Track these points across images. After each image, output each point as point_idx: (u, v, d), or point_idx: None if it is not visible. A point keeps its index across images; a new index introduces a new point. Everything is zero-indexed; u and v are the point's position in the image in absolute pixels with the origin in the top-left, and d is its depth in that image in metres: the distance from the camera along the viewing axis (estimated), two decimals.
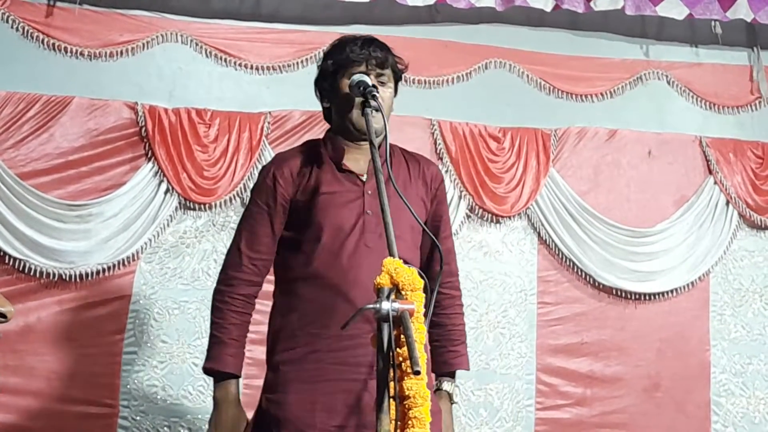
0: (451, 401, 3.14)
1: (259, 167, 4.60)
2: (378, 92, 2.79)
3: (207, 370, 3.01)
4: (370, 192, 2.96)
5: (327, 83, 3.04)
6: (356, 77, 2.85)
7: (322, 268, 2.90)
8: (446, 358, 3.14)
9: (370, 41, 3.02)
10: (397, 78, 3.08)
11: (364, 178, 2.99)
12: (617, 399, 5.01)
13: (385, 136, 2.62)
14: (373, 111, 2.79)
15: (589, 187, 5.16)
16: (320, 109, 3.14)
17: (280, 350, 2.96)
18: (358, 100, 2.90)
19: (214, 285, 3.08)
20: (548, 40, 5.26)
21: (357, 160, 3.02)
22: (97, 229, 4.56)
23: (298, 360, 2.89)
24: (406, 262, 2.27)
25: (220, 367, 2.96)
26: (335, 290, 2.86)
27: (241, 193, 4.69)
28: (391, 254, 2.29)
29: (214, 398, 2.97)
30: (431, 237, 2.82)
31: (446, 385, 3.13)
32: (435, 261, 3.08)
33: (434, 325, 3.12)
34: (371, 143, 2.64)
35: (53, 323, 4.50)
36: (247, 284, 3.03)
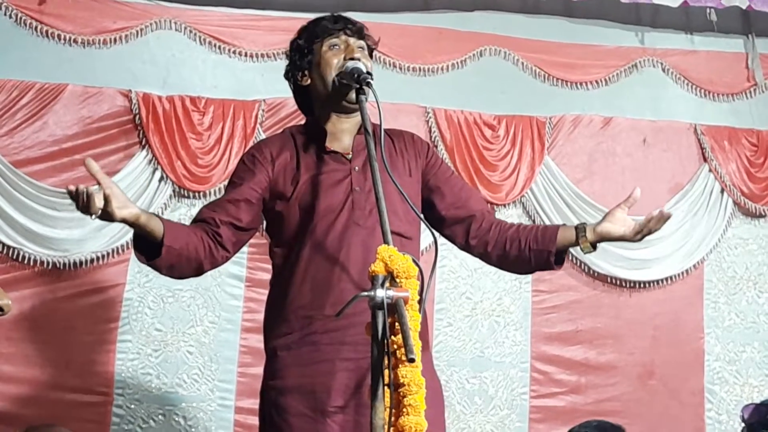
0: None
1: None
2: (372, 80, 2.77)
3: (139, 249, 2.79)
4: (357, 168, 2.93)
5: (305, 60, 3.01)
6: (350, 64, 2.83)
7: (313, 251, 2.87)
8: (548, 233, 3.08)
9: (340, 16, 3.04)
10: (371, 53, 3.06)
11: (349, 156, 2.96)
12: (611, 387, 5.02)
13: (362, 111, 2.60)
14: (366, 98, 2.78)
15: (584, 175, 5.16)
16: None
17: (276, 336, 2.93)
18: (340, 62, 2.89)
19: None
20: (543, 27, 5.25)
21: (340, 140, 2.99)
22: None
23: (294, 343, 2.86)
24: (402, 236, 2.26)
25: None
26: (327, 271, 2.84)
27: None
28: (385, 241, 2.28)
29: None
30: (430, 229, 2.77)
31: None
32: (468, 201, 3.08)
33: (512, 240, 3.05)
34: (365, 130, 2.63)
35: (47, 311, 4.49)
36: (214, 215, 2.93)
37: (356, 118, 2.94)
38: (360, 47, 2.98)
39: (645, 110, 5.31)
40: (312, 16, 4.82)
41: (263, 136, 4.71)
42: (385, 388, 2.13)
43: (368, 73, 2.80)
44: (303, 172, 2.94)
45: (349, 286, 2.80)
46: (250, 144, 4.69)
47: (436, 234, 2.63)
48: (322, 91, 2.98)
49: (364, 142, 2.82)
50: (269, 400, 2.89)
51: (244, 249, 4.45)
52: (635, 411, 4.98)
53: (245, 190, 2.94)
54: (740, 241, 5.30)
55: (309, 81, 3.03)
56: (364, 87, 2.74)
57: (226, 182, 4.53)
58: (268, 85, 4.82)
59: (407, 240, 2.85)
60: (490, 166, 5.01)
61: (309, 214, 2.90)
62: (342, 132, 3.00)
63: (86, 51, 4.72)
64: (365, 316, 2.58)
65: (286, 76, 3.11)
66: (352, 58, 2.88)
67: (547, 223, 4.94)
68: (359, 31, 3.01)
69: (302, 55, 3.02)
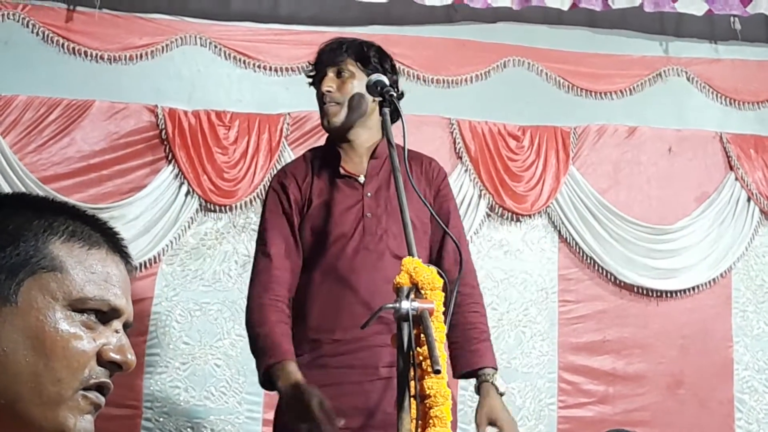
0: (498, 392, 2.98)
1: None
2: (395, 93, 2.80)
3: (262, 374, 2.87)
4: (369, 194, 2.99)
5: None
6: (374, 77, 2.85)
7: (324, 275, 2.93)
8: (468, 358, 3.00)
9: (329, 43, 3.09)
10: (370, 67, 3.02)
11: (361, 180, 3.01)
12: (640, 397, 4.99)
13: (382, 138, 2.62)
14: (330, 104, 2.93)
15: (609, 185, 5.15)
16: None
17: None
18: (319, 99, 3.01)
19: (246, 302, 2.99)
20: (567, 37, 5.24)
21: (354, 162, 3.04)
22: (119, 232, 4.56)
23: (304, 366, 2.85)
24: None
25: (281, 358, 2.81)
26: (337, 295, 2.89)
27: (261, 195, 4.70)
28: (410, 254, 2.29)
29: (281, 390, 2.81)
30: (443, 229, 2.80)
31: (489, 377, 2.97)
32: (445, 256, 3.04)
33: (450, 327, 2.91)
34: (389, 142, 2.64)
35: None
36: (281, 286, 2.96)
37: (367, 144, 3.03)
38: (333, 73, 3.01)
39: (670, 119, 5.29)
40: (335, 30, 4.94)
41: (288, 149, 4.75)
42: (411, 399, 2.14)
43: (391, 85, 2.82)
44: (316, 196, 3.00)
45: (359, 310, 2.83)
46: (275, 158, 4.72)
47: (461, 246, 2.63)
48: None
49: (378, 166, 2.99)
50: (282, 423, 2.91)
51: None
52: (664, 421, 4.95)
53: (288, 239, 2.99)
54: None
55: None
56: (387, 99, 2.76)
57: (252, 195, 4.64)
58: (293, 99, 4.84)
59: None
60: (515, 176, 5.01)
61: (320, 239, 2.96)
62: (357, 155, 3.05)
63: (113, 67, 4.76)
64: (372, 341, 2.77)
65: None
66: (322, 93, 2.99)
67: (573, 234, 5.01)
68: (333, 61, 3.03)
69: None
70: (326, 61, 3.03)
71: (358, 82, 2.98)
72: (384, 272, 2.78)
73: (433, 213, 2.73)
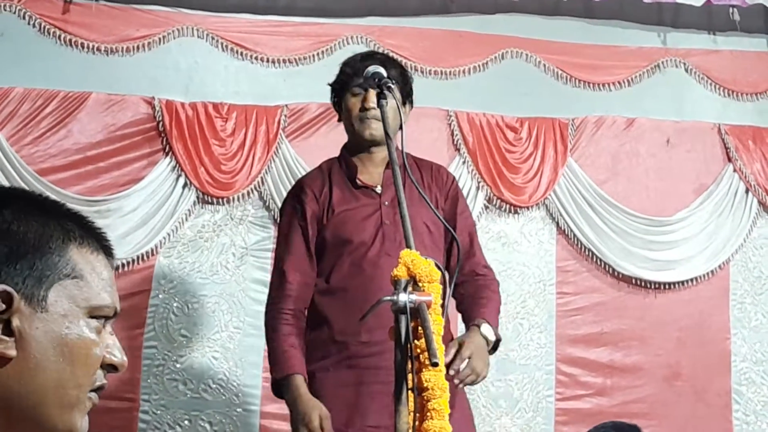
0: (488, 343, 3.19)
1: (277, 161, 4.67)
2: (392, 84, 2.84)
3: (276, 382, 3.13)
4: (386, 203, 3.17)
5: (337, 99, 3.32)
6: (371, 69, 2.88)
7: (347, 281, 3.11)
8: (471, 313, 3.26)
9: (370, 56, 3.31)
10: (406, 90, 3.30)
11: (378, 190, 3.21)
12: (637, 388, 4.99)
13: (389, 146, 2.70)
14: (373, 119, 3.12)
15: (607, 176, 5.14)
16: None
17: (314, 360, 3.13)
18: (356, 112, 3.20)
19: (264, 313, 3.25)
20: (564, 28, 5.23)
21: (371, 173, 3.24)
22: (116, 225, 4.56)
23: (331, 367, 3.08)
24: None
25: (290, 372, 3.06)
26: (361, 300, 2.99)
27: (259, 187, 4.71)
28: (408, 246, 2.30)
29: (288, 402, 3.09)
30: (450, 231, 2.90)
31: (479, 323, 3.21)
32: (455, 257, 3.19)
33: (462, 296, 3.31)
34: (386, 134, 2.66)
35: None
36: (293, 300, 3.17)
37: (383, 152, 3.18)
38: (378, 93, 3.10)
39: (668, 111, 5.28)
40: (333, 21, 4.92)
41: (286, 141, 4.75)
42: (409, 392, 2.14)
43: (389, 77, 2.84)
44: (336, 206, 3.18)
45: (383, 312, 2.89)
46: (273, 149, 4.71)
47: (458, 239, 2.72)
48: (349, 136, 3.30)
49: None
50: None
51: (268, 255, 4.48)
52: (661, 413, 4.95)
53: (304, 254, 3.19)
54: (766, 241, 5.25)
55: (341, 119, 3.33)
56: (385, 91, 2.77)
57: (249, 187, 4.63)
58: (291, 91, 4.83)
59: None
60: (512, 168, 5.00)
61: (342, 246, 3.14)
62: (372, 165, 3.25)
63: (109, 59, 4.75)
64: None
65: (332, 99, 3.42)
66: (365, 108, 3.17)
67: (571, 226, 5.01)
68: (376, 84, 3.11)
69: (337, 97, 3.32)
70: (370, 82, 3.13)
71: (392, 102, 3.12)
72: None
73: (439, 215, 2.85)
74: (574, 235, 5.02)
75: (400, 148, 2.72)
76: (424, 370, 2.12)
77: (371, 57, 3.28)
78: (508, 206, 4.98)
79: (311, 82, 4.72)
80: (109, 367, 1.38)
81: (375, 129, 3.15)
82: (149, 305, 4.58)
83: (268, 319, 3.19)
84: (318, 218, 3.19)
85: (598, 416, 4.75)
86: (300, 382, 3.04)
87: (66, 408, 1.29)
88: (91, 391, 1.34)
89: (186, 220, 4.69)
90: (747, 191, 5.22)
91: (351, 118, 3.23)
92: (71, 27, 4.71)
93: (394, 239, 3.09)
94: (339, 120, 3.40)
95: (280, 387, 3.11)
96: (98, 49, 4.72)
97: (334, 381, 3.07)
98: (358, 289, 3.07)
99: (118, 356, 1.39)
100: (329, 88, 3.39)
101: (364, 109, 3.18)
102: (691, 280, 5.12)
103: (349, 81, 3.24)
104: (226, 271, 4.63)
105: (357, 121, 3.20)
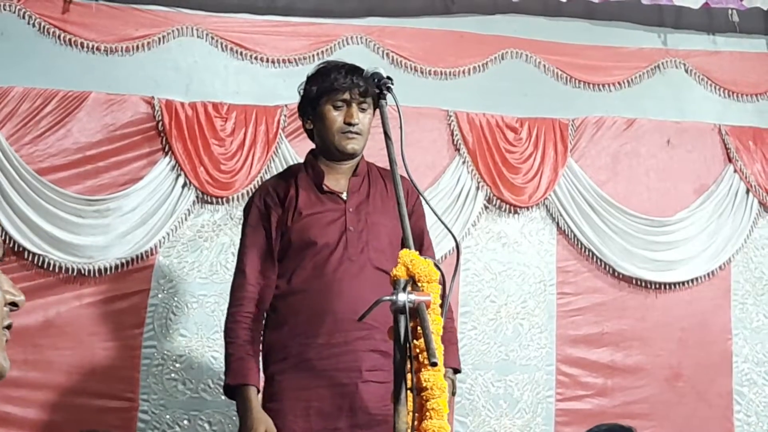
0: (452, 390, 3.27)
1: (276, 161, 4.67)
2: (393, 85, 2.81)
3: (230, 387, 3.16)
4: (351, 209, 3.21)
5: (310, 107, 3.29)
6: (371, 69, 2.86)
7: (309, 283, 3.14)
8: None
9: (353, 70, 3.25)
10: (376, 105, 3.20)
11: (344, 197, 3.24)
12: (638, 389, 4.98)
13: (388, 146, 2.70)
14: (356, 135, 3.20)
15: (607, 177, 5.14)
16: None
17: (274, 361, 3.18)
18: (338, 125, 3.21)
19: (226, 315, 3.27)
20: (565, 29, 5.23)
21: (337, 179, 3.27)
22: (116, 224, 4.57)
23: (290, 369, 3.11)
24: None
25: (243, 381, 3.11)
26: (322, 302, 3.09)
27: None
28: (407, 246, 2.29)
29: (239, 410, 3.15)
30: (451, 232, 2.86)
31: (450, 374, 3.25)
32: None
33: None
34: (386, 134, 2.64)
35: (72, 318, 4.51)
36: (253, 303, 3.20)
37: (351, 163, 3.27)
38: (362, 108, 3.25)
39: (668, 111, 5.28)
40: (333, 21, 4.92)
41: (285, 141, 4.75)
42: (408, 392, 2.14)
43: (389, 77, 2.83)
44: (302, 209, 3.21)
45: (342, 316, 3.06)
46: (273, 149, 4.72)
47: (458, 238, 2.71)
48: (321, 144, 3.31)
49: (358, 184, 3.26)
50: None
51: None
52: (662, 413, 4.95)
53: (266, 257, 3.23)
54: (767, 241, 5.26)
55: (312, 126, 3.33)
56: (385, 92, 2.76)
57: (249, 187, 4.63)
58: (290, 91, 4.78)
59: None
60: (512, 168, 5.00)
61: (305, 249, 3.17)
62: (339, 173, 3.28)
63: (109, 59, 4.74)
64: (356, 345, 3.05)
65: (298, 111, 3.40)
66: (349, 123, 3.20)
67: (572, 226, 5.01)
68: (364, 92, 3.23)
69: (311, 105, 3.29)
70: (352, 95, 3.21)
71: (371, 115, 3.27)
72: (366, 281, 3.07)
73: (428, 203, 2.74)
74: (575, 236, 5.01)
75: (399, 149, 2.69)
76: (423, 369, 2.11)
77: (355, 71, 3.25)
78: (508, 206, 4.98)
79: None
80: (11, 305, 1.56)
81: (357, 143, 3.23)
82: (148, 305, 4.58)
83: (228, 323, 3.21)
84: (282, 221, 3.21)
85: (598, 417, 4.75)
86: (252, 394, 3.10)
87: None
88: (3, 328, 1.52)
89: (185, 219, 4.69)
90: (747, 192, 5.22)
91: (331, 129, 3.23)
92: (71, 27, 4.71)
93: (357, 246, 3.15)
94: (305, 127, 3.40)
95: (232, 391, 3.16)
96: (98, 49, 4.72)
97: (291, 384, 3.11)
98: (318, 292, 3.11)
99: (17, 294, 1.57)
100: (297, 111, 3.41)
101: (348, 123, 3.21)
102: (692, 280, 5.12)
103: (331, 91, 3.24)
104: (225, 270, 4.62)
105: (338, 134, 3.22)
